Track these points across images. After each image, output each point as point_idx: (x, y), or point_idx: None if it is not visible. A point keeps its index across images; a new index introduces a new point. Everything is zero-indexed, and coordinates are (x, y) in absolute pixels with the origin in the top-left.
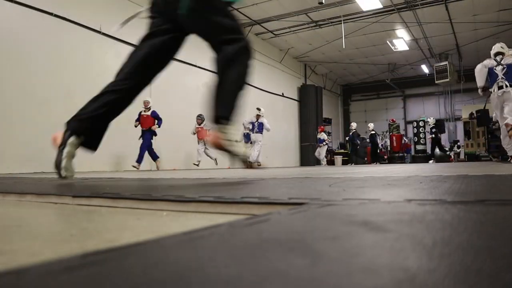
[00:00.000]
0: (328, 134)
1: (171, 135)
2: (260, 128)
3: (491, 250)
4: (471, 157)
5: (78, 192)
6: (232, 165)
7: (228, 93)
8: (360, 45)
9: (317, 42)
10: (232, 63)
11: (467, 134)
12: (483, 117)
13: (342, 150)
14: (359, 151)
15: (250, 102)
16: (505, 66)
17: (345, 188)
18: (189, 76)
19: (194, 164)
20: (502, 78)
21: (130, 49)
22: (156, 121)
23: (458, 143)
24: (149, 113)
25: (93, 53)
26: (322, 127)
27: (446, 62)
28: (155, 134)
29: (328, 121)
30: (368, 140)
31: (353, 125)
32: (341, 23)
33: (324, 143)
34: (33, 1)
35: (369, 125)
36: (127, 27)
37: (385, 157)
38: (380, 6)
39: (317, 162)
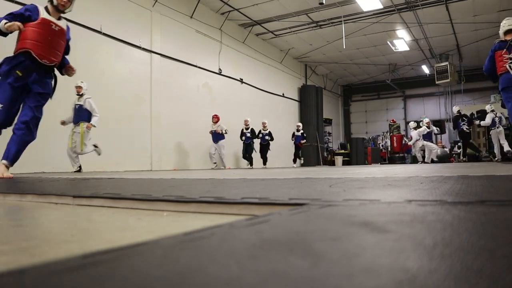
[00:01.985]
0: (329, 134)
1: (171, 135)
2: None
3: (491, 250)
4: (472, 158)
5: (78, 192)
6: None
7: None
8: (360, 46)
9: (317, 43)
10: None
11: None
12: (483, 118)
13: (343, 150)
14: (248, 150)
15: (250, 103)
16: None
17: (346, 188)
18: (189, 76)
19: None
20: None
21: (130, 49)
22: None
23: (459, 144)
24: None
25: (94, 53)
26: (217, 115)
27: (447, 63)
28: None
29: (328, 122)
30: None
31: (248, 119)
32: (342, 24)
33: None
34: (33, 1)
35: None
36: (128, 27)
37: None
38: (381, 6)
39: (318, 162)
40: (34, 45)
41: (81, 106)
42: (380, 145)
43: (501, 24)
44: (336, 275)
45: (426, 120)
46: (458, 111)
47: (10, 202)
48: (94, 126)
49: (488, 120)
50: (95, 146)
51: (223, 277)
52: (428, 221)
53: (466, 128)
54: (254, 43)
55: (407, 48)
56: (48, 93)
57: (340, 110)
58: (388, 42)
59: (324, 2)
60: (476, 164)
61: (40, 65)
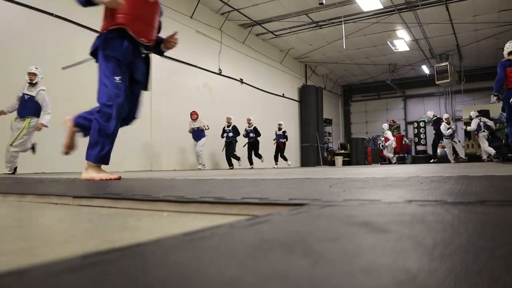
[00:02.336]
0: (329, 134)
1: (171, 135)
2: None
3: (491, 251)
4: (472, 158)
5: (78, 192)
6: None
7: None
8: (360, 46)
9: (317, 43)
10: None
11: (467, 134)
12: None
13: (343, 151)
14: (229, 150)
15: (250, 103)
16: None
17: (346, 189)
18: (189, 76)
19: None
20: None
21: None
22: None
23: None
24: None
25: None
26: (196, 112)
27: (447, 63)
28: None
29: (328, 122)
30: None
31: (231, 117)
32: (342, 24)
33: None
34: (33, 2)
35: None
36: None
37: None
38: (381, 6)
39: (318, 162)
40: (129, 20)
41: (31, 97)
42: (380, 145)
43: (506, 45)
44: (336, 275)
45: (446, 115)
46: (434, 115)
47: (10, 202)
48: (46, 127)
49: (473, 125)
50: (33, 146)
51: (224, 277)
52: (428, 221)
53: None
54: (254, 43)
55: (407, 48)
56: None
57: (340, 110)
58: (388, 42)
59: (324, 2)
60: (476, 164)
61: (138, 45)
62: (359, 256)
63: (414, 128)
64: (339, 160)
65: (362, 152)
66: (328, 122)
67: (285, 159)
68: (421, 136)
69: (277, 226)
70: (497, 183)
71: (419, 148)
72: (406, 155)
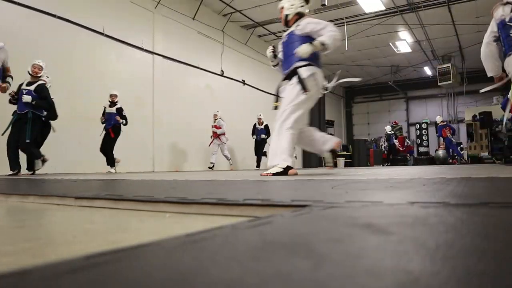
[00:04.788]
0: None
1: (173, 136)
2: None
3: (494, 253)
4: (474, 160)
5: (80, 193)
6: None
7: None
8: (362, 47)
9: None
10: None
11: (470, 136)
12: (486, 119)
13: (345, 152)
14: (24, 136)
15: (252, 104)
16: None
17: (348, 190)
18: (191, 77)
19: None
20: None
21: (132, 50)
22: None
23: (461, 145)
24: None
25: (96, 54)
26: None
27: (449, 64)
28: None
29: (330, 123)
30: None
31: (39, 63)
32: (344, 25)
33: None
34: (36, 3)
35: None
36: (130, 28)
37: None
38: (383, 8)
39: (320, 163)
40: None
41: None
42: (382, 146)
43: None
44: (338, 276)
45: None
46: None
47: (12, 203)
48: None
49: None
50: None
51: (225, 278)
52: (430, 223)
53: None
54: (256, 44)
55: (409, 50)
56: None
57: (342, 111)
58: (390, 44)
59: (326, 3)
60: (479, 166)
61: None
62: (361, 257)
63: (416, 129)
64: (341, 161)
65: (364, 153)
66: (330, 123)
67: (110, 158)
68: (423, 137)
69: (279, 227)
70: (500, 185)
71: (421, 149)
72: (408, 156)
